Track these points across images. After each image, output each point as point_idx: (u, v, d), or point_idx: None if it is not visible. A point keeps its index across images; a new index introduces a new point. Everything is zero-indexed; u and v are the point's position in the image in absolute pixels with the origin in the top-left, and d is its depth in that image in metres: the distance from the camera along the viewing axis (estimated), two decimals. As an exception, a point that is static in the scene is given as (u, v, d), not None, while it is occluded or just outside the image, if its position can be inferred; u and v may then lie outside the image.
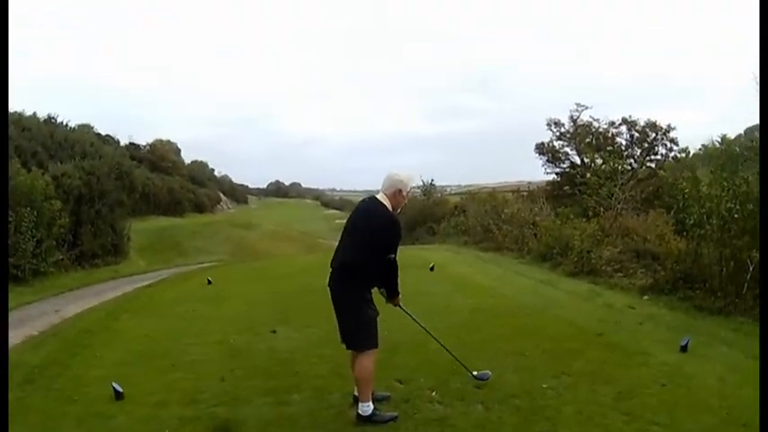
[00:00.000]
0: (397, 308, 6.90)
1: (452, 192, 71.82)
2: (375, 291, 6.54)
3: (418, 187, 54.00)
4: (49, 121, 40.74)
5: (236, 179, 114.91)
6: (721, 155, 12.35)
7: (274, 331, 10.64)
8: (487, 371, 7.39)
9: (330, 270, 6.39)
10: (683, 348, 8.45)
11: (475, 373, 7.31)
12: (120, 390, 7.27)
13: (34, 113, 39.38)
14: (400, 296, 6.70)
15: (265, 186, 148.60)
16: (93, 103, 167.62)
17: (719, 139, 13.25)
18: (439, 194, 55.27)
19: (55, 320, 14.13)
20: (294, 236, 63.12)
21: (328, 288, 6.37)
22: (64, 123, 43.96)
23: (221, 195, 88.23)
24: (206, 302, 14.97)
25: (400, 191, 6.33)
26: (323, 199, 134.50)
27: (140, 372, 8.57)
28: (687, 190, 12.87)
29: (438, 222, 42.10)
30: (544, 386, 7.08)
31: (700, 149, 18.04)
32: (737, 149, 12.98)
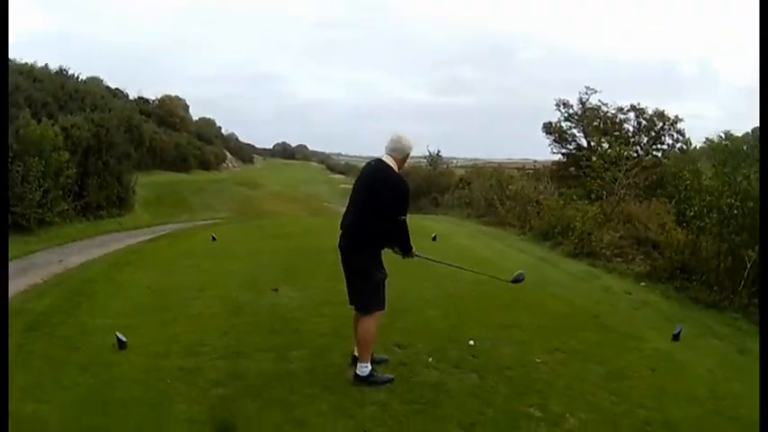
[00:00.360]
0: (416, 258, 7.04)
1: (458, 164, 70.64)
2: (385, 251, 6.65)
3: (424, 157, 54.01)
4: (61, 72, 40.45)
5: (243, 138, 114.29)
6: (724, 150, 12.30)
7: (276, 289, 10.73)
8: (521, 272, 8.07)
9: (340, 232, 6.53)
10: (676, 337, 8.58)
11: (513, 276, 7.95)
12: (124, 339, 7.44)
13: (46, 65, 39.11)
14: (414, 249, 6.82)
15: (271, 147, 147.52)
16: (104, 58, 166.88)
17: (723, 135, 13.23)
18: (445, 165, 54.82)
19: (59, 270, 14.17)
20: (299, 197, 62.74)
21: (338, 249, 6.51)
22: (75, 76, 43.67)
23: (227, 153, 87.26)
24: (210, 258, 15.08)
25: (408, 155, 6.55)
26: (328, 163, 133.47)
27: (143, 323, 8.70)
28: (689, 181, 12.92)
29: (442, 193, 42.20)
30: (537, 360, 7.24)
31: (704, 143, 17.98)
32: (742, 146, 12.92)
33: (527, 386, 6.39)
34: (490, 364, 7.00)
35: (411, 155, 6.71)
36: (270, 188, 60.57)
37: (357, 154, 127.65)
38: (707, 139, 17.33)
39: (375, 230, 6.31)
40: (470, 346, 7.55)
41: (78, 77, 43.68)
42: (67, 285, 12.02)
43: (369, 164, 6.78)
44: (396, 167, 6.40)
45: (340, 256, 6.51)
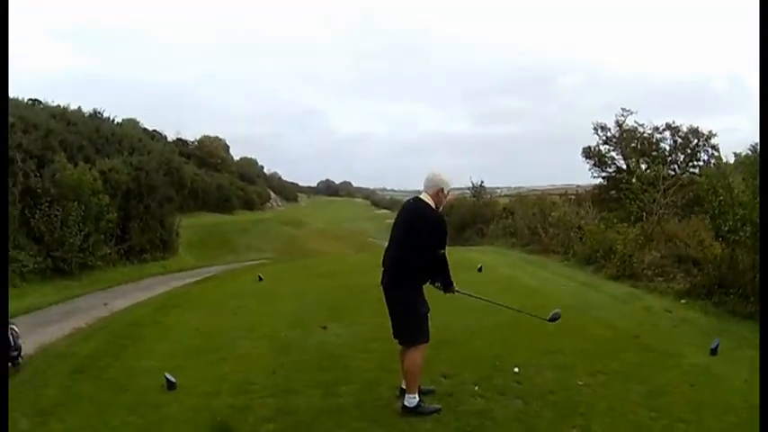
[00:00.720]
0: (456, 294, 7.16)
1: (502, 194, 71.40)
2: (427, 286, 6.80)
3: (468, 188, 54.14)
4: (95, 115, 40.24)
5: (286, 177, 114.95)
6: (753, 163, 12.28)
7: (325, 327, 10.86)
8: (558, 310, 8.08)
9: (382, 269, 6.70)
10: (713, 351, 8.63)
11: (551, 314, 7.98)
12: (173, 380, 7.63)
13: (79, 108, 38.53)
14: (455, 285, 6.96)
15: (315, 185, 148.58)
16: (140, 99, 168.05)
17: (751, 147, 13.16)
18: (488, 196, 54.98)
19: (103, 314, 14.42)
20: (343, 235, 62.88)
21: (381, 286, 6.69)
22: (110, 119, 43.67)
23: (271, 193, 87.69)
24: (256, 298, 15.22)
25: (442, 189, 6.65)
26: (373, 198, 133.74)
27: (191, 364, 8.92)
28: (722, 197, 12.82)
29: (487, 224, 41.95)
30: (580, 383, 7.33)
31: (736, 157, 17.94)
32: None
33: (570, 409, 6.49)
34: (534, 390, 7.10)
35: (450, 188, 6.86)
36: (314, 226, 60.80)
37: (402, 188, 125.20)
38: (734, 153, 17.29)
39: (416, 265, 6.48)
40: (515, 373, 7.65)
41: (114, 120, 43.98)
42: (113, 328, 12.29)
43: (408, 201, 7.01)
44: (433, 204, 6.60)
45: (383, 292, 6.67)
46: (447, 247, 6.65)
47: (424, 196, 6.65)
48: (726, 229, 12.76)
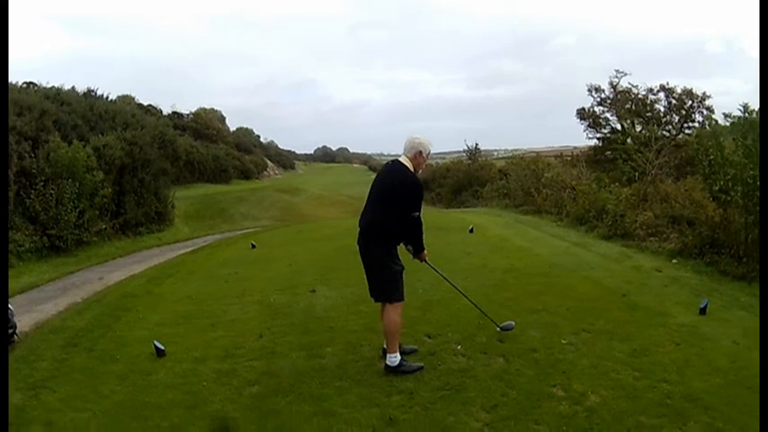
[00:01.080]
0: (424, 263, 7.29)
1: (499, 156, 72.33)
2: (401, 247, 6.95)
3: (464, 151, 54.59)
4: (89, 94, 40.12)
5: (283, 145, 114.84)
6: (744, 123, 12.29)
7: (314, 290, 11.01)
8: (511, 321, 7.86)
9: (358, 229, 6.80)
10: (702, 311, 8.63)
11: (502, 325, 7.78)
12: (162, 347, 7.76)
13: (73, 87, 38.77)
14: (426, 252, 7.13)
15: (312, 152, 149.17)
16: (136, 75, 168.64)
17: (742, 107, 13.13)
18: (484, 158, 55.50)
19: (99, 287, 14.44)
20: (341, 199, 62.71)
21: (357, 246, 6.80)
22: (104, 96, 43.52)
23: (268, 162, 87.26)
24: (249, 265, 15.32)
25: (420, 153, 6.76)
26: (370, 163, 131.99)
27: (181, 331, 9.03)
28: (712, 157, 12.82)
29: (483, 186, 42.16)
30: (563, 341, 7.43)
31: (726, 118, 17.99)
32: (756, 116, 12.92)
33: (552, 367, 6.57)
34: (517, 348, 7.19)
35: (429, 152, 6.94)
36: (311, 192, 60.66)
37: (399, 152, 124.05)
38: (724, 114, 17.31)
39: (390, 226, 6.60)
40: (498, 331, 7.71)
41: (108, 97, 43.99)
42: (107, 301, 12.30)
43: (387, 163, 7.14)
44: (411, 167, 6.72)
45: (359, 251, 6.79)
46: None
47: (404, 159, 6.76)
48: (717, 188, 12.77)
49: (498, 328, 7.74)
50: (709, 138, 13.49)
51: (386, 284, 6.61)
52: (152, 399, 6.38)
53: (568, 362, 6.73)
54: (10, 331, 8.92)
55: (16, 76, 35.85)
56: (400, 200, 6.59)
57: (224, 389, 6.48)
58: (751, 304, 9.25)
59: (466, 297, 8.16)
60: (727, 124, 15.23)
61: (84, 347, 8.63)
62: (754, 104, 12.83)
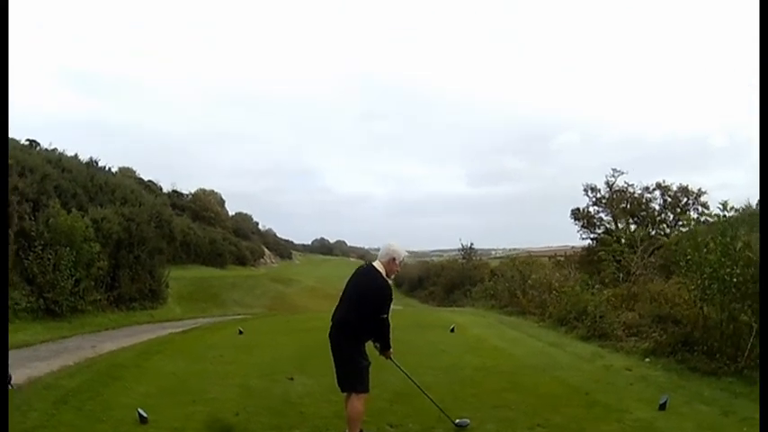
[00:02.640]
0: (389, 360, 7.83)
1: (496, 255, 72.36)
2: (369, 344, 7.49)
3: (458, 251, 55.21)
4: (91, 164, 40.57)
5: (281, 234, 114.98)
6: (722, 220, 12.65)
7: (292, 378, 11.45)
8: (466, 419, 8.25)
9: (331, 323, 7.37)
10: (662, 407, 8.91)
11: (457, 420, 8.14)
12: (145, 415, 8.27)
13: (75, 155, 38.97)
14: (392, 350, 7.65)
15: (310, 242, 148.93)
16: (140, 147, 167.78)
17: (721, 205, 13.46)
18: (479, 258, 55.87)
19: (90, 354, 14.95)
20: (333, 293, 62.24)
21: (329, 338, 7.36)
22: (105, 167, 44.01)
23: (265, 249, 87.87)
24: (234, 350, 15.74)
25: (394, 259, 7.38)
26: (367, 258, 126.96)
27: (164, 403, 9.51)
28: (690, 257, 13.03)
29: (475, 285, 42.39)
30: None
31: (700, 217, 18.30)
32: (739, 214, 13.23)
33: None
34: (471, 440, 7.48)
35: (402, 259, 7.54)
36: (304, 284, 60.66)
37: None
38: (701, 212, 17.69)
39: (360, 326, 7.18)
40: (456, 424, 8.10)
41: (110, 169, 44.45)
42: (97, 368, 12.83)
43: (361, 266, 7.81)
44: (384, 272, 7.34)
45: (330, 345, 7.37)
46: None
47: (377, 264, 7.39)
48: (692, 287, 13.23)
49: (453, 424, 8.13)
50: (687, 237, 13.83)
51: (353, 377, 7.14)
52: (132, 459, 6.83)
53: None
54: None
55: (16, 131, 36.25)
56: (372, 303, 7.16)
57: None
58: (714, 398, 9.64)
59: (424, 393, 8.60)
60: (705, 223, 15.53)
61: (74, 406, 9.20)
62: (728, 200, 13.18)
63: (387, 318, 7.29)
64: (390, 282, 7.38)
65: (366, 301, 7.18)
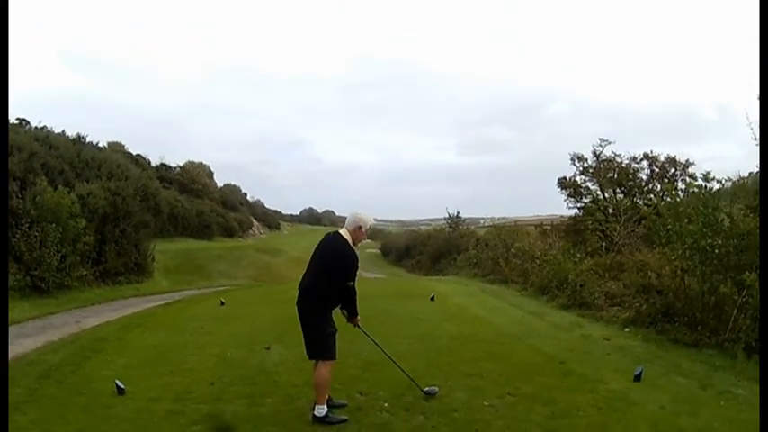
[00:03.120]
0: (357, 328, 7.93)
1: (485, 224, 71.91)
2: (337, 312, 7.62)
3: (444, 219, 54.95)
4: (78, 140, 41.15)
5: (270, 205, 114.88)
6: (704, 192, 12.62)
7: (269, 347, 11.58)
8: (435, 387, 8.35)
9: (298, 292, 7.46)
10: (637, 377, 8.92)
11: (426, 389, 8.22)
12: (122, 386, 8.48)
13: (63, 131, 40.48)
14: (359, 317, 7.76)
15: (298, 213, 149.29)
16: (130, 120, 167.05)
17: (702, 175, 13.37)
18: (466, 227, 55.86)
19: (75, 330, 15.09)
20: (319, 263, 62.68)
21: (296, 307, 7.47)
22: (93, 143, 44.51)
23: (253, 220, 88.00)
24: (215, 321, 15.91)
25: (360, 227, 7.52)
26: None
27: (142, 374, 9.71)
28: (670, 227, 12.99)
29: (461, 254, 42.33)
30: (486, 403, 7.86)
31: (684, 188, 18.31)
32: (720, 185, 13.21)
33: (467, 426, 7.04)
34: (439, 408, 7.68)
35: (369, 227, 7.70)
36: (291, 254, 60.38)
37: (385, 218, 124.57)
38: (688, 183, 17.70)
39: (326, 293, 7.31)
40: (425, 392, 8.17)
41: (97, 144, 44.57)
42: (81, 343, 13.00)
43: (328, 234, 7.87)
44: (350, 239, 7.46)
45: (297, 313, 7.47)
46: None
47: (344, 232, 7.52)
48: (673, 257, 13.19)
49: (422, 392, 8.19)
50: (668, 207, 13.82)
51: (319, 343, 7.25)
52: (108, 428, 7.09)
53: (484, 422, 7.16)
54: None
55: (13, 109, 36.36)
56: (337, 270, 7.29)
57: (171, 426, 7.14)
58: (692, 370, 9.64)
59: (393, 361, 8.62)
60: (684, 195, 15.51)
61: (56, 380, 9.43)
62: (710, 171, 13.18)
63: (353, 285, 7.41)
64: (357, 250, 7.44)
65: (331, 268, 7.31)
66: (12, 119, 36.68)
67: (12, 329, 14.31)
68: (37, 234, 21.73)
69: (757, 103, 9.25)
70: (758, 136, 9.24)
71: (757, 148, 9.04)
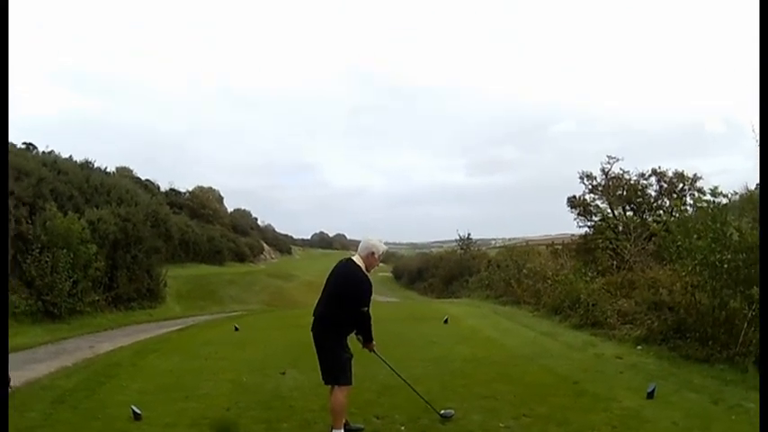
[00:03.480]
0: (372, 353, 7.98)
1: (496, 245, 71.76)
2: (352, 337, 7.65)
3: (455, 241, 54.88)
4: (86, 165, 40.40)
5: (280, 229, 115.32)
6: (713, 207, 12.60)
7: (284, 373, 11.60)
8: (451, 410, 8.32)
9: (312, 319, 7.51)
10: (650, 395, 8.93)
11: (442, 411, 8.21)
12: (139, 412, 8.46)
13: (70, 156, 39.76)
14: (374, 342, 7.78)
15: (309, 237, 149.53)
16: (135, 147, 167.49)
17: (710, 191, 13.35)
18: (477, 248, 55.70)
19: (88, 355, 15.08)
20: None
21: (311, 333, 7.52)
22: (101, 168, 43.87)
23: (264, 245, 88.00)
24: (229, 346, 15.93)
25: (373, 253, 7.54)
26: None
27: (158, 400, 9.67)
28: (680, 243, 13.00)
29: (473, 276, 42.38)
30: (501, 425, 7.87)
31: (691, 203, 18.33)
32: (727, 200, 13.20)
33: None
34: (455, 430, 7.73)
35: (381, 253, 7.70)
36: (303, 278, 60.31)
37: (396, 241, 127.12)
38: (696, 198, 17.66)
39: (341, 319, 7.35)
40: (441, 415, 8.15)
41: (105, 169, 44.60)
42: (94, 368, 13.01)
43: (341, 261, 7.86)
44: (363, 266, 7.50)
45: (313, 339, 7.53)
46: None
47: (357, 258, 7.56)
48: (683, 273, 13.23)
49: (438, 415, 8.18)
50: (677, 224, 13.80)
51: (335, 369, 7.28)
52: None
53: None
54: None
55: (20, 133, 36.84)
56: (351, 297, 7.34)
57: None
58: (704, 385, 9.66)
59: (409, 385, 8.69)
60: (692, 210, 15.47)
61: (70, 405, 9.39)
62: (717, 186, 13.17)
63: (367, 311, 7.44)
64: (370, 275, 7.49)
65: (345, 295, 7.35)
66: (18, 143, 37.29)
67: (24, 354, 14.60)
68: (48, 259, 21.89)
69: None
70: (759, 143, 9.21)
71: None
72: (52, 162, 33.39)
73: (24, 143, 39.99)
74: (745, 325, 11.23)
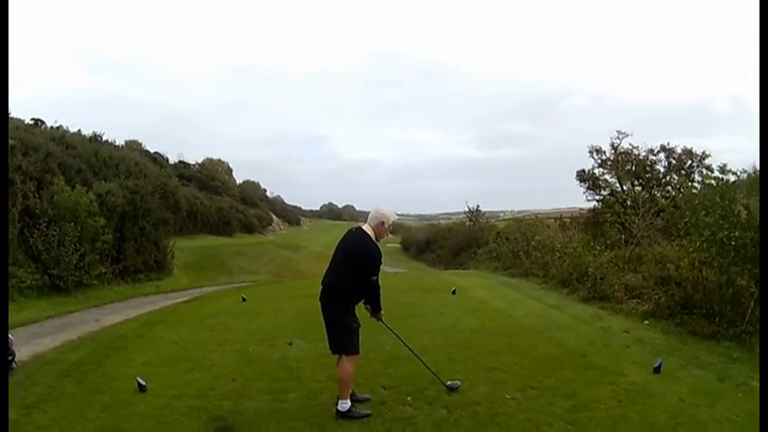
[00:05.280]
0: (380, 322, 7.95)
1: (505, 217, 71.61)
2: (360, 307, 7.62)
3: (464, 212, 54.87)
4: (94, 138, 41.36)
5: (290, 201, 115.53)
6: (720, 183, 12.52)
7: (291, 343, 11.59)
8: (457, 381, 8.34)
9: (321, 287, 7.47)
10: (656, 370, 8.92)
11: (448, 383, 8.22)
12: (144, 383, 8.50)
13: (79, 131, 40.53)
14: (382, 312, 7.77)
15: (318, 208, 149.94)
16: (146, 122, 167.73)
17: (719, 167, 13.21)
18: (486, 220, 55.50)
19: (94, 328, 15.10)
20: (340, 257, 62.56)
21: (319, 302, 7.48)
22: (110, 141, 44.63)
23: (273, 216, 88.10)
24: (236, 317, 15.90)
25: (383, 223, 7.49)
26: None
27: (164, 371, 9.72)
28: (687, 218, 12.96)
29: (482, 248, 42.29)
30: (508, 397, 7.88)
31: (699, 180, 18.21)
32: (736, 177, 13.11)
33: (489, 419, 7.06)
34: (461, 402, 7.69)
35: (391, 222, 7.67)
36: (311, 249, 60.20)
37: (405, 212, 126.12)
38: (705, 175, 17.55)
39: (349, 288, 7.33)
40: (447, 387, 8.19)
41: (114, 142, 44.63)
42: (101, 340, 13.04)
43: (350, 230, 7.85)
44: (373, 235, 7.45)
45: (321, 308, 7.49)
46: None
47: (366, 227, 7.52)
48: (691, 250, 13.29)
49: (445, 386, 8.20)
50: (685, 200, 13.74)
51: (342, 338, 7.27)
52: (130, 426, 7.11)
53: (506, 415, 7.18)
54: (9, 358, 9.66)
55: (22, 111, 36.74)
56: (360, 265, 7.31)
57: (193, 422, 7.15)
58: (710, 362, 9.60)
59: (416, 356, 8.67)
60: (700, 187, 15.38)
61: (75, 378, 9.38)
62: (726, 163, 13.08)
63: (376, 280, 7.43)
64: (379, 244, 7.45)
65: (355, 264, 7.32)
66: (27, 119, 37.18)
67: (30, 328, 14.59)
68: (55, 233, 21.85)
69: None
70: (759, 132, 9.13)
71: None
72: (60, 137, 33.48)
73: (33, 119, 39.97)
74: (752, 303, 11.21)
